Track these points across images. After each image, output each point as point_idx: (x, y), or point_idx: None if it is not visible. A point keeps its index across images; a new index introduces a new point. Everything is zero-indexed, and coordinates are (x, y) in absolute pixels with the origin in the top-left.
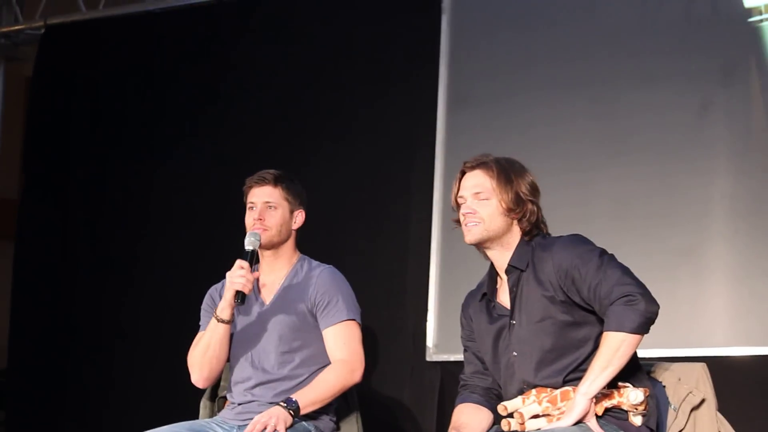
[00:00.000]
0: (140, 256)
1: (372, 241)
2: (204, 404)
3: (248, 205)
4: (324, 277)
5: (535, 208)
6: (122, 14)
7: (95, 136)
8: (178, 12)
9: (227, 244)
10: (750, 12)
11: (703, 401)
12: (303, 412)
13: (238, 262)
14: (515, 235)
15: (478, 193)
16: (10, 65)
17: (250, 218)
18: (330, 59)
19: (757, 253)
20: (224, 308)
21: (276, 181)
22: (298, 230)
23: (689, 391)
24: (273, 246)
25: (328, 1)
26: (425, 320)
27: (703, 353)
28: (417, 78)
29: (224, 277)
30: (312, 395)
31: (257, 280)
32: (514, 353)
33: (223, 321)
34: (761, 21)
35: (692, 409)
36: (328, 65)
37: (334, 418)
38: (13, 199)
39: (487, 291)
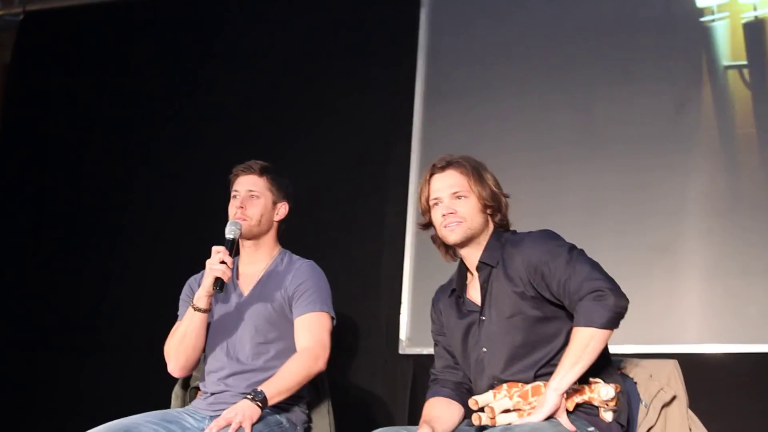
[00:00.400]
0: (118, 246)
1: (347, 234)
2: (176, 394)
3: (232, 193)
4: (302, 270)
5: (506, 203)
6: (102, 1)
7: (73, 124)
8: (158, 0)
9: (205, 237)
10: (702, 12)
11: (674, 398)
12: (271, 402)
13: (216, 248)
14: (489, 231)
15: (456, 192)
16: None
17: (232, 207)
18: (307, 51)
19: (730, 250)
20: (201, 297)
21: (262, 171)
22: (281, 223)
23: (660, 387)
24: (253, 236)
25: None
26: (399, 313)
27: (675, 350)
28: (395, 71)
29: (203, 268)
30: (278, 385)
31: (236, 269)
32: (484, 349)
33: (199, 310)
34: (713, 20)
35: (663, 406)
36: (306, 57)
37: (306, 410)
38: None
39: (456, 287)
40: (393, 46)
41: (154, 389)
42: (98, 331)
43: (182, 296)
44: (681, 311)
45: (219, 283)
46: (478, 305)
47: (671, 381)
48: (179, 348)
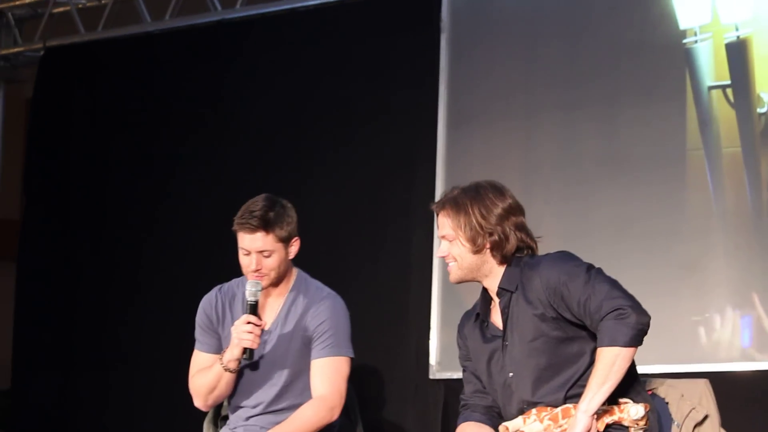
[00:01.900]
0: (141, 275)
1: (374, 260)
2: (207, 427)
3: (241, 250)
4: (322, 308)
5: (505, 234)
6: (121, 35)
7: (95, 156)
8: (177, 33)
9: (226, 266)
10: (684, 33)
11: (706, 417)
12: None
13: (245, 317)
14: (496, 262)
15: (444, 236)
16: (9, 87)
17: (246, 264)
18: (329, 77)
19: (757, 267)
20: (231, 361)
21: (266, 227)
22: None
23: (692, 407)
24: (274, 285)
25: (325, 19)
26: (428, 338)
27: (705, 368)
28: (417, 95)
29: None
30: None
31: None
32: (511, 374)
33: (229, 370)
34: (696, 42)
35: (695, 426)
36: (327, 83)
37: None
38: (15, 220)
39: (480, 311)
40: (414, 71)
41: (181, 418)
42: (126, 361)
43: (198, 322)
44: (710, 329)
45: (249, 352)
46: (501, 330)
47: (703, 400)
48: (208, 396)
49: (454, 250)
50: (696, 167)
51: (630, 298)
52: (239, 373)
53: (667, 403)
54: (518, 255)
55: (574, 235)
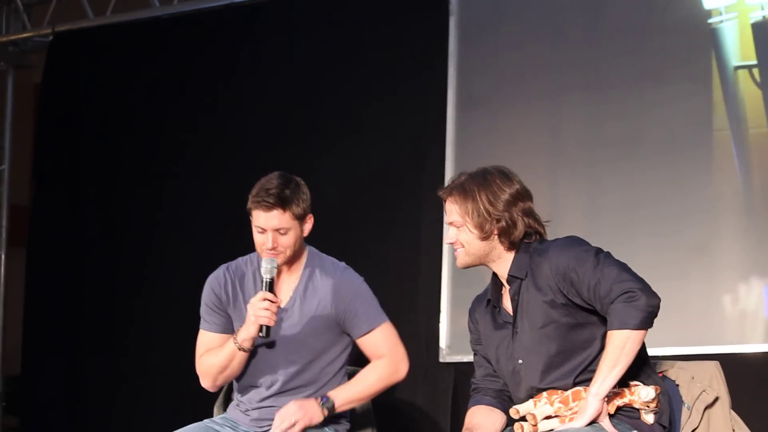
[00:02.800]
0: (150, 259)
1: (383, 243)
2: (218, 411)
3: (256, 228)
4: (344, 287)
5: (512, 220)
6: (130, 20)
7: (104, 140)
8: (185, 17)
9: (236, 248)
10: (709, 13)
11: (716, 399)
12: (339, 410)
13: (261, 294)
14: (504, 248)
15: (451, 222)
16: (19, 72)
17: (261, 242)
18: (337, 61)
19: (767, 249)
20: (246, 339)
21: (283, 204)
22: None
23: (703, 389)
24: (288, 262)
25: (334, 2)
26: (438, 321)
27: (715, 351)
28: (426, 79)
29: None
30: (351, 394)
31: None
32: (520, 361)
33: (243, 349)
34: (721, 22)
35: (706, 408)
36: (336, 67)
37: (350, 420)
38: (25, 206)
39: (491, 297)
40: (423, 55)
41: (191, 402)
42: (137, 346)
43: (205, 300)
44: (720, 311)
45: (265, 329)
46: (512, 316)
47: (713, 382)
48: (218, 376)
49: (462, 237)
50: (722, 148)
51: (639, 280)
52: (252, 353)
53: (678, 385)
54: (526, 240)
55: (595, 216)
